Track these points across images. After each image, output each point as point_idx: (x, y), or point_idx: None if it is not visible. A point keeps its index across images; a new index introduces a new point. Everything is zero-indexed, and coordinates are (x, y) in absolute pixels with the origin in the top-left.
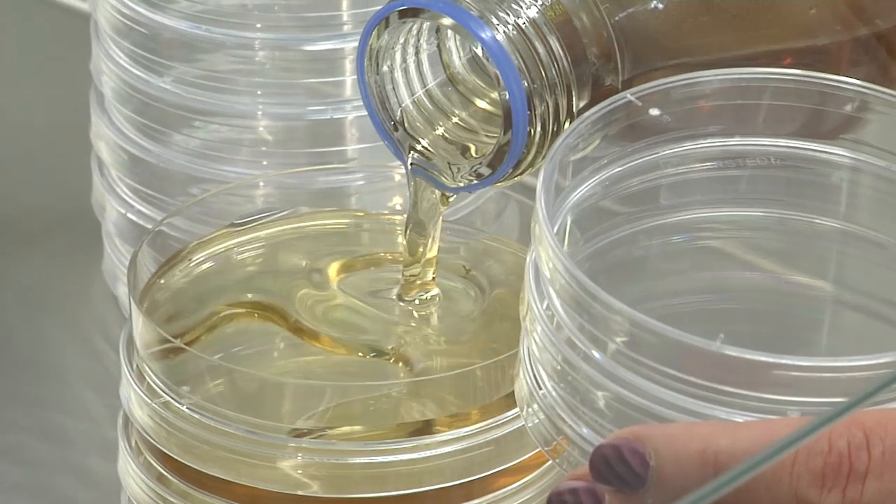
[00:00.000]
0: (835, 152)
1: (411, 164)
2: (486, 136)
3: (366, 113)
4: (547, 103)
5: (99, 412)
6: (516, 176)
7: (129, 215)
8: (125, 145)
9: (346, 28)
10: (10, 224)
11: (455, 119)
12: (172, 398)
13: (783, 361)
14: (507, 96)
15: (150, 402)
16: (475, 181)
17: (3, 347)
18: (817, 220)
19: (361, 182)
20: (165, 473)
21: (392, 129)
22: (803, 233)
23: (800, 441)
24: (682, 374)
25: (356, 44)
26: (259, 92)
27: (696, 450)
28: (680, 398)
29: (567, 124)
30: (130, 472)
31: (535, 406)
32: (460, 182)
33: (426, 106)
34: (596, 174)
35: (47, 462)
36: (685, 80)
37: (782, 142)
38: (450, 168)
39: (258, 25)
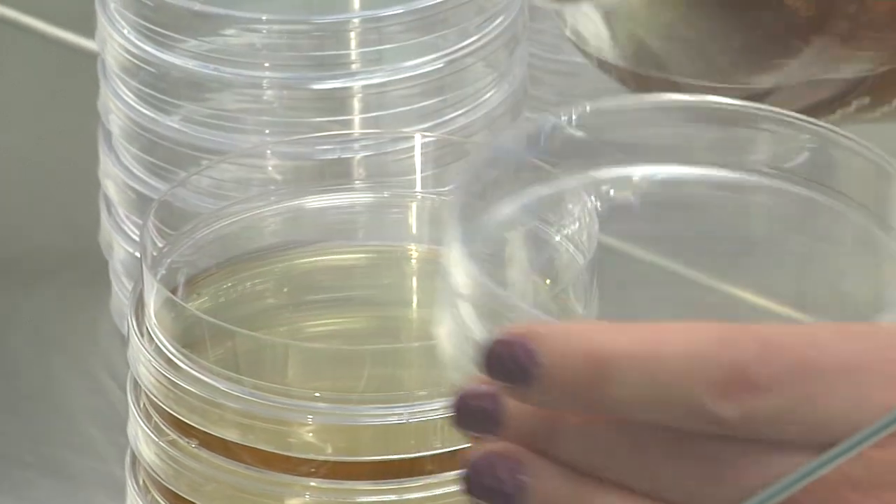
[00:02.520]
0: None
1: None
2: None
3: (373, 152)
4: None
5: (106, 450)
6: None
7: (137, 254)
8: (133, 184)
9: (354, 67)
10: (17, 262)
11: None
12: (180, 436)
13: None
14: None
15: (157, 440)
16: None
17: (10, 384)
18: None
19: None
20: None
21: None
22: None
23: (844, 456)
24: None
25: (364, 82)
26: (267, 131)
27: (584, 347)
28: None
29: None
30: None
31: None
32: None
33: None
34: (517, 195)
35: (54, 499)
36: (615, 102)
37: (715, 171)
38: None
39: (266, 64)
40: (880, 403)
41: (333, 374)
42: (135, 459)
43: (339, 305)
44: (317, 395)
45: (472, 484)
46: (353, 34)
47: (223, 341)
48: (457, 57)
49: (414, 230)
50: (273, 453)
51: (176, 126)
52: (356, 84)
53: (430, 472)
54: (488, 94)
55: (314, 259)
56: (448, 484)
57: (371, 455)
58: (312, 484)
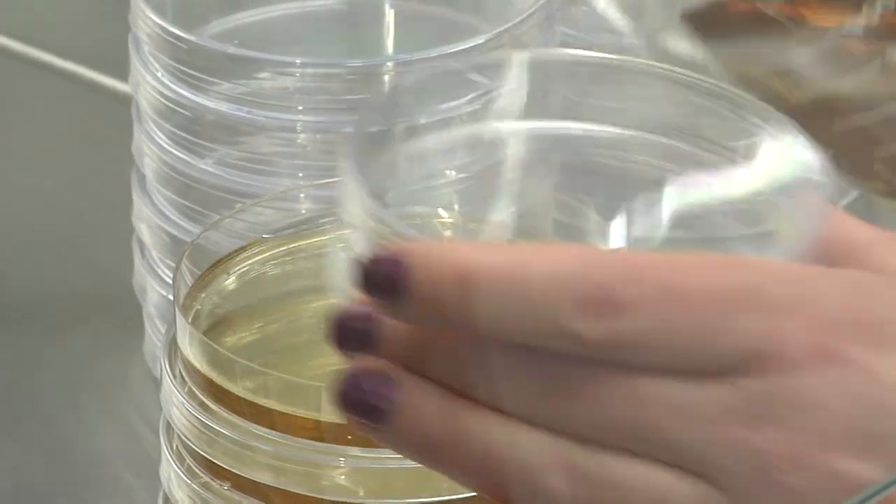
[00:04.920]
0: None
1: None
2: None
3: None
4: None
5: (138, 493)
6: None
7: (171, 297)
8: (167, 227)
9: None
10: (51, 306)
11: None
12: (212, 479)
13: None
14: None
15: (189, 482)
16: None
17: (43, 429)
18: None
19: None
20: None
21: None
22: None
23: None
24: None
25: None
26: (300, 174)
27: (453, 262)
28: None
29: None
30: None
31: None
32: None
33: None
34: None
35: None
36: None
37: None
38: None
39: (300, 108)
40: (744, 332)
41: None
42: (167, 502)
43: None
44: (349, 437)
45: (344, 398)
46: (386, 77)
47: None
48: (490, 99)
49: None
50: (305, 496)
51: (209, 169)
52: None
53: None
54: None
55: None
56: None
57: (403, 498)
58: None
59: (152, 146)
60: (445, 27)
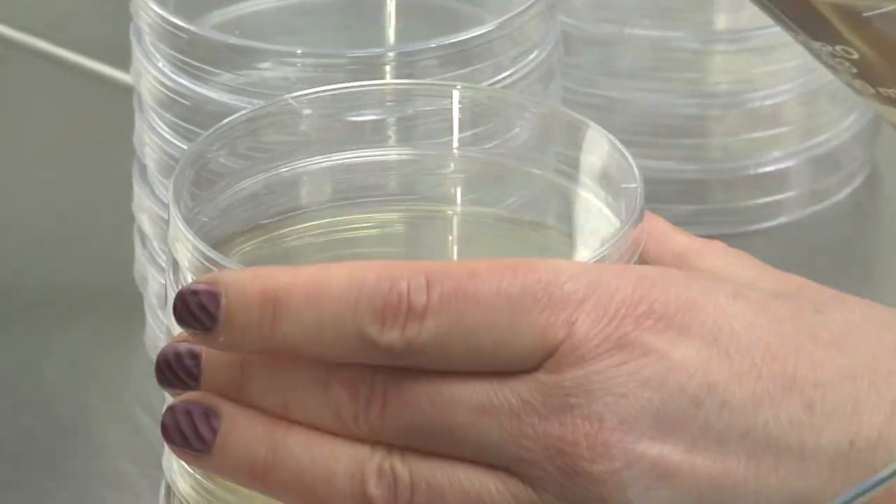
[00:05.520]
0: None
1: None
2: None
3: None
4: None
5: (140, 484)
6: None
7: None
8: (168, 217)
9: (388, 100)
10: (52, 296)
11: None
12: None
13: None
14: None
15: (192, 472)
16: None
17: (44, 419)
18: None
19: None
20: None
21: None
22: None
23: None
24: None
25: (399, 115)
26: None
27: (260, 287)
28: None
29: None
30: None
31: None
32: None
33: None
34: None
35: None
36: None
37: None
38: None
39: None
40: (536, 328)
41: None
42: (170, 492)
43: None
44: None
45: (165, 432)
46: (387, 68)
47: None
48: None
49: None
50: None
51: None
52: (391, 117)
53: None
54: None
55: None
56: None
57: None
58: None
59: (153, 136)
60: (447, 18)
